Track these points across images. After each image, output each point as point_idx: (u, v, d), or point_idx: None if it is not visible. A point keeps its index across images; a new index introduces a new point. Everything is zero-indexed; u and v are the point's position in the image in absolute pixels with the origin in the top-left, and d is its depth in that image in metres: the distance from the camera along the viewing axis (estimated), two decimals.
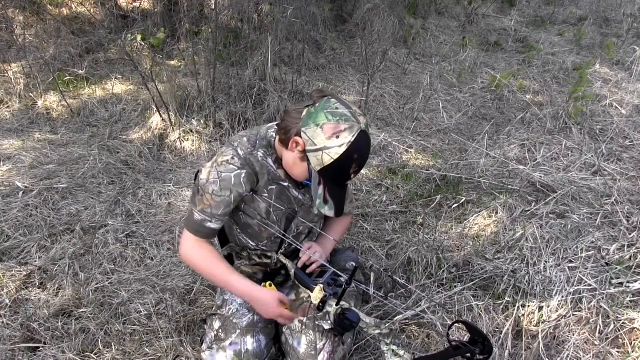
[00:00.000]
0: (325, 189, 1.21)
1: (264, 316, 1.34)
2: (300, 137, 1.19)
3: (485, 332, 1.05)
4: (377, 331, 1.23)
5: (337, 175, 1.20)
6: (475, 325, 1.06)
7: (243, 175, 1.27)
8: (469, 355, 1.05)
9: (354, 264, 1.70)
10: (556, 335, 1.64)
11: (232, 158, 1.27)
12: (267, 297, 1.30)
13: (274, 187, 1.35)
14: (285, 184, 1.36)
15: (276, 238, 1.44)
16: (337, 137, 1.13)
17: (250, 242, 1.45)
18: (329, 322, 1.28)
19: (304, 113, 1.20)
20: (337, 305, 1.24)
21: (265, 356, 1.39)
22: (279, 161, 1.32)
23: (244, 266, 1.52)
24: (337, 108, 1.16)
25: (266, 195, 1.34)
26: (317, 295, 1.25)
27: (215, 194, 1.26)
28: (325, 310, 1.26)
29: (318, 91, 1.23)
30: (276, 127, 1.32)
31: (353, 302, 1.46)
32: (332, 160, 1.15)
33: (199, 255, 1.34)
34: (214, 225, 1.30)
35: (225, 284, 1.36)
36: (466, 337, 1.08)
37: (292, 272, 1.37)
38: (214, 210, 1.28)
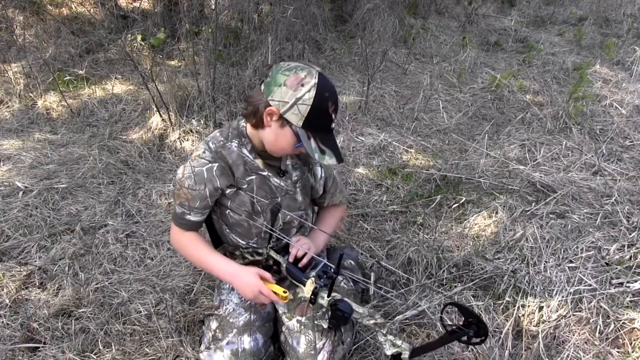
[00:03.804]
0: (316, 141, 1.22)
1: (246, 296, 1.34)
2: (271, 106, 1.20)
3: (477, 313, 1.04)
4: (372, 321, 1.21)
5: (320, 120, 1.21)
6: (467, 307, 1.05)
7: (215, 168, 1.30)
8: (465, 339, 1.04)
9: (352, 262, 1.70)
10: (556, 335, 1.64)
11: (204, 152, 1.32)
12: (245, 272, 1.31)
13: (253, 177, 1.35)
14: (265, 173, 1.36)
15: (265, 234, 1.44)
16: (302, 85, 1.16)
17: (240, 240, 1.46)
18: (327, 320, 1.28)
19: (262, 88, 1.23)
20: (328, 296, 1.23)
21: (262, 355, 1.39)
22: (255, 150, 1.34)
23: (250, 267, 1.52)
24: (288, 65, 1.21)
25: (246, 186, 1.35)
26: (308, 287, 1.25)
27: (190, 187, 1.32)
28: (317, 303, 1.26)
29: (266, 66, 1.28)
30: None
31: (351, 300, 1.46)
32: (309, 107, 1.17)
33: (183, 240, 1.42)
34: (193, 217, 1.36)
35: (207, 266, 1.41)
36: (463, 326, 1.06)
37: (284, 266, 1.37)
38: (191, 203, 1.34)
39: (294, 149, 1.26)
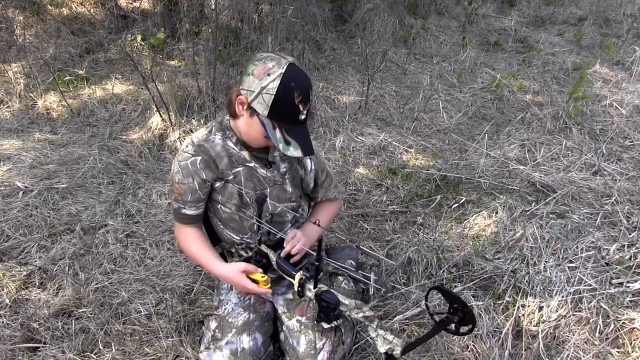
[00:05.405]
0: (282, 131, 1.21)
1: (239, 290, 1.41)
2: (241, 95, 1.22)
3: (462, 298, 1.01)
4: (360, 314, 1.19)
5: (286, 111, 1.20)
6: (451, 291, 1.03)
7: (198, 161, 1.33)
8: (453, 328, 1.02)
9: (352, 262, 1.70)
10: (556, 335, 1.64)
11: (187, 146, 1.35)
12: (228, 271, 1.33)
13: (240, 169, 1.36)
14: (251, 164, 1.37)
15: (257, 228, 1.44)
16: (268, 74, 1.17)
17: (235, 236, 1.47)
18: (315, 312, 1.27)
19: (238, 78, 1.26)
20: (314, 287, 1.22)
21: (262, 354, 1.39)
22: (240, 143, 1.35)
23: (235, 263, 1.52)
24: (261, 55, 1.23)
25: (232, 178, 1.36)
26: (297, 281, 1.25)
27: (180, 182, 1.35)
28: (305, 296, 1.25)
29: (247, 59, 1.30)
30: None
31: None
32: (273, 97, 1.17)
33: (182, 240, 1.46)
34: (188, 211, 1.40)
35: (202, 266, 1.48)
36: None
37: (274, 260, 1.37)
38: (184, 197, 1.37)
39: (265, 139, 1.25)
